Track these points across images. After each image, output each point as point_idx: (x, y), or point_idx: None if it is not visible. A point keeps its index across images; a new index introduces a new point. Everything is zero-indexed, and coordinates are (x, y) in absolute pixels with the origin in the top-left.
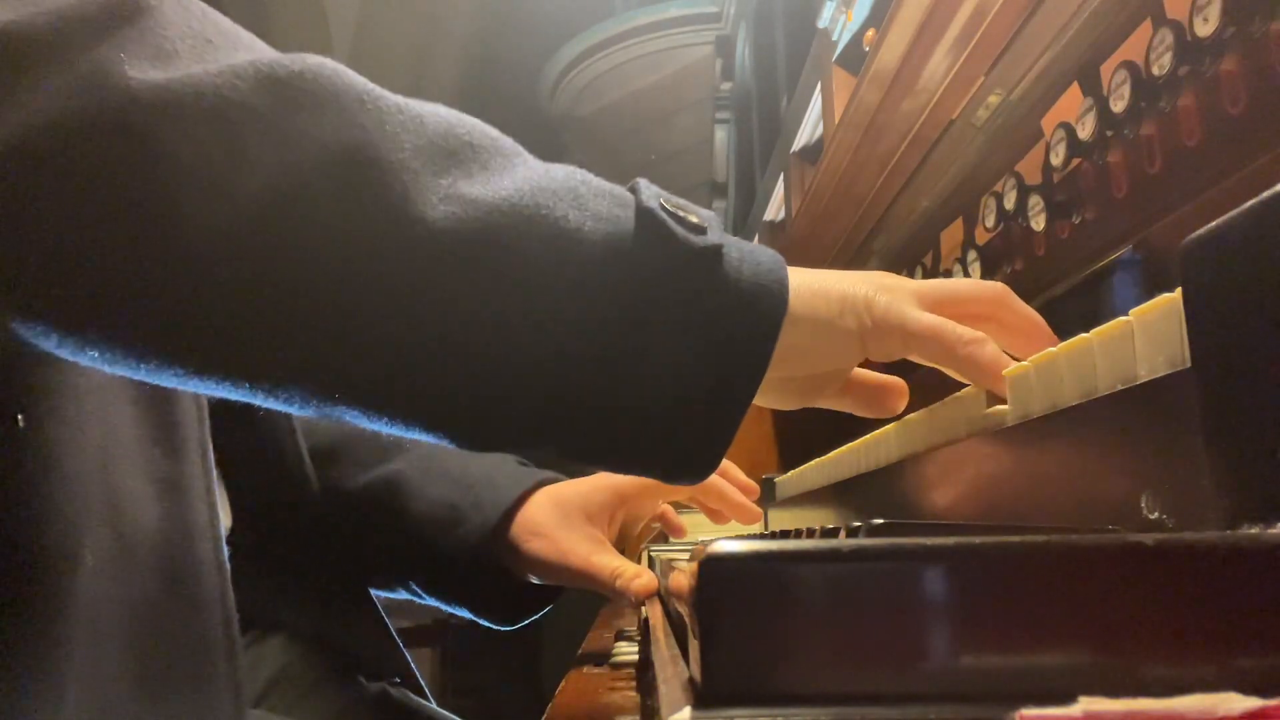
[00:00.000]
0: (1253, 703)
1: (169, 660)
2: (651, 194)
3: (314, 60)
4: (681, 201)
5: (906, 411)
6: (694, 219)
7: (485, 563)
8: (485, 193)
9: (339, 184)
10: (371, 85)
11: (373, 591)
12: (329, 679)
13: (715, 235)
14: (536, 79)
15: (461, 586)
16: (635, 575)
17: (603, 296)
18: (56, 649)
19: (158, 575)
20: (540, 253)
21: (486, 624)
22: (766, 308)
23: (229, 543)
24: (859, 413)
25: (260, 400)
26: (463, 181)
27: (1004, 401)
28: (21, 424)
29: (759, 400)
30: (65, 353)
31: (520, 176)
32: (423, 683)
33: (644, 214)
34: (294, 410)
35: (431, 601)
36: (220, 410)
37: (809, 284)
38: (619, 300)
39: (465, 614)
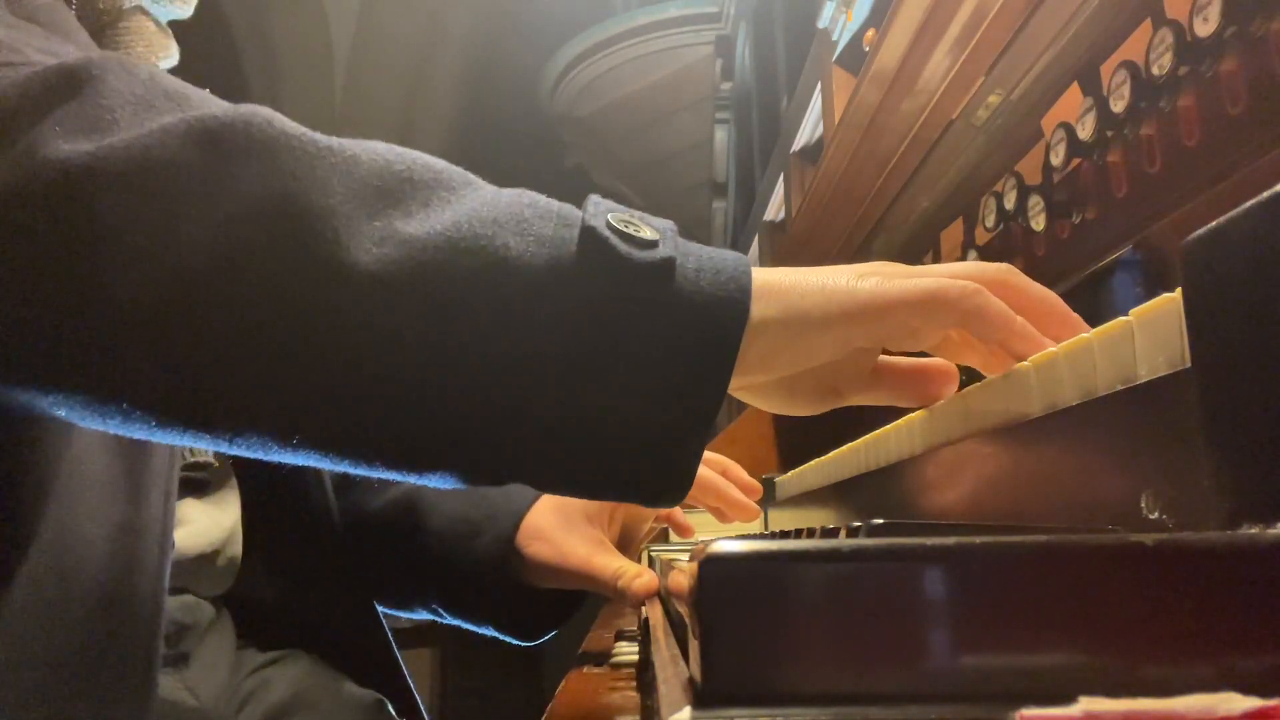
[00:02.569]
0: (1253, 703)
1: (85, 694)
2: (599, 211)
3: (248, 110)
4: (634, 215)
5: (908, 411)
6: (646, 233)
7: (504, 574)
8: (420, 230)
9: (269, 235)
10: (305, 131)
11: (394, 613)
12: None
13: (667, 248)
14: (536, 79)
15: (483, 601)
16: (636, 575)
17: (550, 324)
18: None
19: (90, 614)
20: (479, 285)
21: (511, 640)
22: (724, 316)
23: (244, 570)
24: (899, 403)
25: (226, 448)
26: (399, 221)
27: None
28: None
29: (776, 408)
30: (34, 409)
31: (463, 209)
32: (418, 698)
33: (586, 234)
34: (261, 455)
35: (454, 621)
36: None
37: (781, 282)
38: (565, 326)
39: (489, 631)
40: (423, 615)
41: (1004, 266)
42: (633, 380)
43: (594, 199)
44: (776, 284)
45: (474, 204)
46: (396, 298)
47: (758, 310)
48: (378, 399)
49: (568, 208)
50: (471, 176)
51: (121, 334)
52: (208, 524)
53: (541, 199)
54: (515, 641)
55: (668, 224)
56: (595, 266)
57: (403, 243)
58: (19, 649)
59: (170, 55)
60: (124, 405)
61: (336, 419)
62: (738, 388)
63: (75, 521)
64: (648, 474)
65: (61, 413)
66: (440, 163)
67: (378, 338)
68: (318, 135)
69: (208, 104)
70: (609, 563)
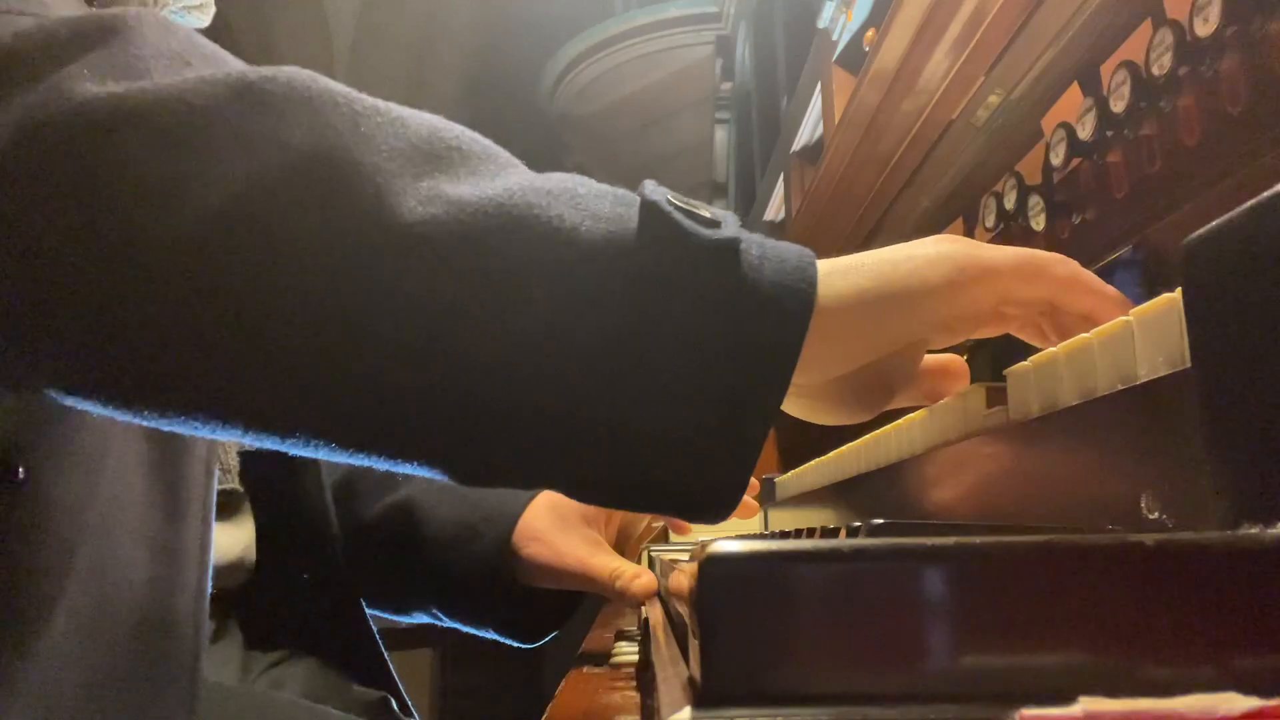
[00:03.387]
0: (1253, 703)
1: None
2: (658, 191)
3: (291, 69)
4: (692, 201)
5: (908, 410)
6: (706, 213)
7: (502, 576)
8: (470, 193)
9: (307, 187)
10: (351, 90)
11: (393, 618)
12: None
13: (730, 230)
14: (536, 79)
15: (481, 605)
16: (634, 576)
17: (603, 300)
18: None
19: (130, 637)
20: (531, 254)
21: (512, 642)
22: (789, 308)
23: (256, 572)
24: (926, 403)
25: (251, 427)
26: (446, 184)
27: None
28: (21, 477)
29: (820, 415)
30: (52, 394)
31: (511, 180)
32: (407, 698)
33: (649, 208)
34: (270, 444)
35: (454, 624)
36: (251, 453)
37: (856, 259)
38: (621, 305)
39: (490, 634)
40: (422, 619)
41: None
42: (690, 367)
43: (649, 183)
44: (854, 260)
45: (524, 177)
46: (442, 257)
47: (839, 284)
48: (415, 368)
49: (621, 189)
50: (516, 159)
51: (144, 282)
52: (229, 543)
53: (592, 181)
54: (515, 644)
55: (727, 213)
56: (657, 239)
57: (451, 203)
58: (59, 673)
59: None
60: (145, 371)
61: (362, 393)
62: (794, 392)
63: (113, 542)
64: (698, 469)
65: (88, 397)
66: (489, 140)
67: (421, 299)
68: (364, 95)
69: (242, 68)
70: (606, 563)
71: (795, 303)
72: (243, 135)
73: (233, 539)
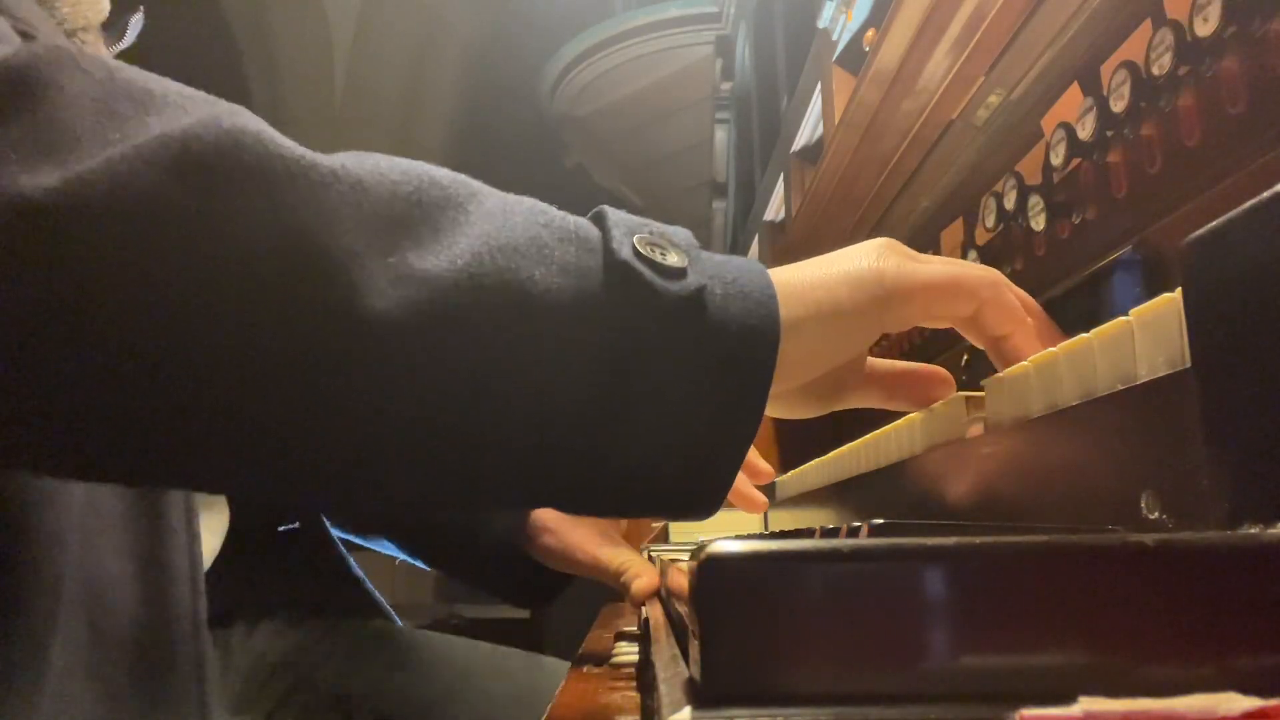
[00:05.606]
0: (1253, 703)
1: None
2: (622, 233)
3: (233, 125)
4: (656, 232)
5: (908, 411)
6: (672, 259)
7: (512, 553)
8: (438, 265)
9: (275, 281)
10: (303, 153)
11: (407, 558)
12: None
13: (695, 275)
14: (536, 79)
15: (488, 570)
16: (637, 575)
17: (579, 362)
18: None
19: (130, 670)
20: (505, 323)
21: (508, 602)
22: (757, 345)
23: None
24: (895, 407)
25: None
26: (413, 254)
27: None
28: None
29: (783, 412)
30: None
31: (478, 233)
32: (379, 596)
33: (616, 267)
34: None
35: (452, 576)
36: None
37: (803, 280)
38: (597, 364)
39: (488, 594)
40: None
41: (993, 271)
42: (666, 415)
43: (611, 215)
44: (800, 282)
45: (488, 226)
46: (419, 342)
47: (789, 312)
48: (401, 448)
49: (584, 226)
50: (474, 185)
51: (104, 397)
52: (206, 536)
53: (555, 214)
54: (513, 605)
55: (686, 236)
56: (625, 299)
57: (422, 282)
58: (62, 709)
59: (101, 8)
60: (114, 469)
61: (358, 470)
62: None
63: (99, 560)
64: (679, 498)
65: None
66: (442, 174)
67: (401, 385)
68: (317, 157)
69: (177, 106)
70: (614, 557)
71: (763, 340)
72: (195, 225)
73: (211, 531)
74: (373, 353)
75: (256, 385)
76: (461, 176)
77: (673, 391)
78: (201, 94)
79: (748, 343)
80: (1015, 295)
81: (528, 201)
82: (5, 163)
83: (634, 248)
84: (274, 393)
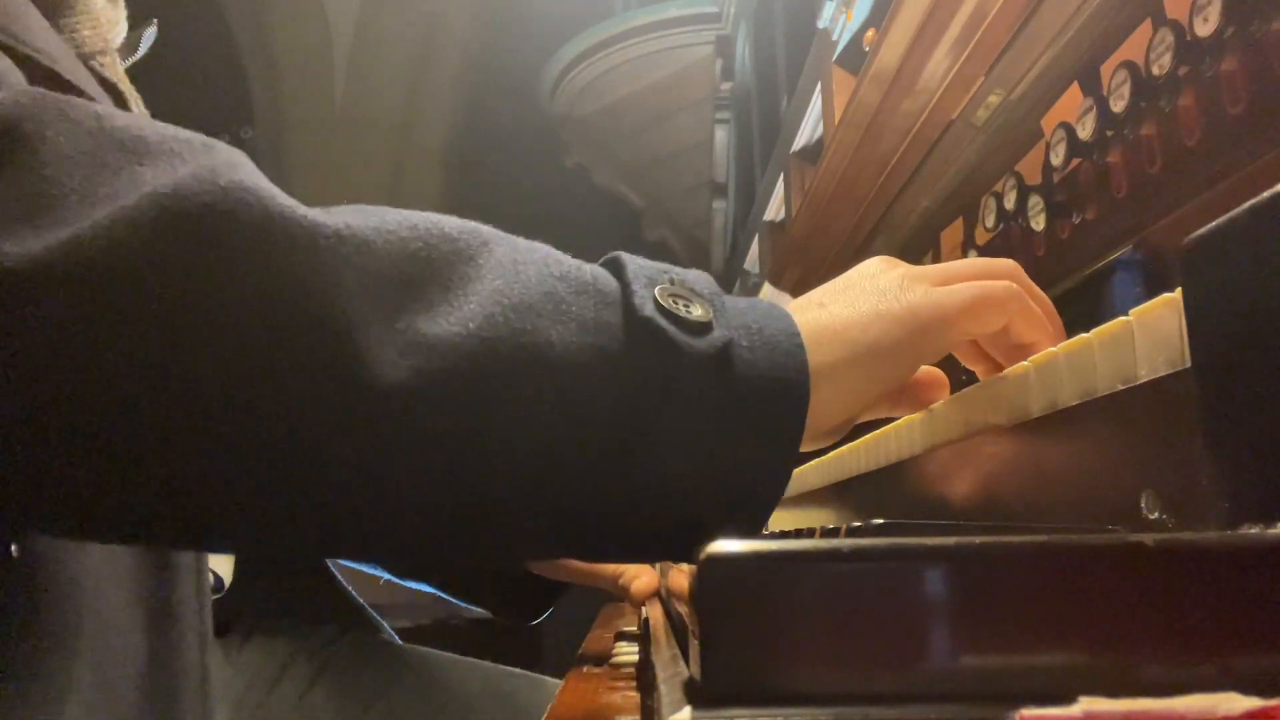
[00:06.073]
0: (1253, 703)
1: None
2: (643, 285)
3: (230, 181)
4: (677, 281)
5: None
6: (696, 312)
7: (509, 573)
8: (451, 329)
9: (277, 352)
10: (304, 212)
11: (396, 580)
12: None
13: (721, 329)
14: (536, 79)
15: (484, 588)
16: (636, 575)
17: (600, 421)
18: None
19: (136, 705)
20: (524, 388)
21: (506, 622)
22: (787, 402)
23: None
24: (892, 413)
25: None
26: (422, 318)
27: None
28: (15, 554)
29: (810, 445)
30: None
31: (488, 289)
32: (390, 631)
33: (639, 324)
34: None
35: (453, 599)
36: None
37: (833, 320)
38: (618, 423)
39: (485, 612)
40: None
41: (1010, 262)
42: (694, 474)
43: (630, 266)
44: (830, 323)
45: (499, 281)
46: (433, 412)
47: (822, 357)
48: (417, 516)
49: (601, 277)
50: (485, 233)
51: (91, 475)
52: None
53: (569, 264)
54: (510, 623)
55: (708, 283)
56: (649, 357)
57: (432, 349)
58: None
59: (120, 29)
60: (112, 536)
61: (375, 539)
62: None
63: (110, 606)
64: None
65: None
66: (451, 224)
67: (415, 456)
68: (318, 215)
69: (171, 154)
70: None
71: (792, 401)
72: (191, 292)
73: (218, 562)
74: (384, 425)
75: (259, 462)
76: (471, 225)
77: (700, 451)
78: (199, 138)
79: (778, 398)
80: (1035, 296)
81: (541, 250)
82: None
83: (656, 301)
84: (280, 468)
